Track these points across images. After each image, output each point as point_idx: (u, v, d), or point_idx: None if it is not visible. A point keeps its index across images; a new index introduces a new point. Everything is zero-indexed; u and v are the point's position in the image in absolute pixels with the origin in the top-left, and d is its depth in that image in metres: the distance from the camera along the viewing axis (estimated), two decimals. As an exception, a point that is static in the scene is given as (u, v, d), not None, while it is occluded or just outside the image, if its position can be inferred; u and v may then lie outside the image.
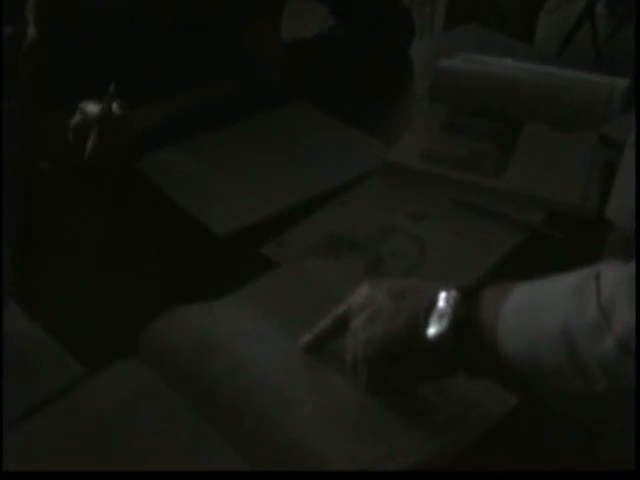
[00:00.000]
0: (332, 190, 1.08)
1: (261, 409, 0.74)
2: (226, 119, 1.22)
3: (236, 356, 0.79)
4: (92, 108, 1.06)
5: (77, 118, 1.07)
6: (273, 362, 0.79)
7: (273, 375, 0.78)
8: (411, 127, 1.21)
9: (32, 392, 0.76)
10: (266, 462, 0.71)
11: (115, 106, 1.06)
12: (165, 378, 0.79)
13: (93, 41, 1.19)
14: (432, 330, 0.69)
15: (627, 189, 0.81)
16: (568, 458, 0.72)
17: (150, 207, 1.06)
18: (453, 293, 0.69)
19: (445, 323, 0.68)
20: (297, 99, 1.29)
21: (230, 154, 1.16)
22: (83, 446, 0.72)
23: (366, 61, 1.37)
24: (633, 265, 0.59)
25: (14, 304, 0.85)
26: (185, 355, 0.79)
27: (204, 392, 0.76)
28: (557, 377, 0.61)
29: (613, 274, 0.60)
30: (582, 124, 1.17)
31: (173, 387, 0.78)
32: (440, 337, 0.68)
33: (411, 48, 1.47)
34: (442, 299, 0.69)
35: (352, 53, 1.38)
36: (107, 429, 0.74)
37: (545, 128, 1.19)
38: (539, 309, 0.63)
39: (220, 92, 1.26)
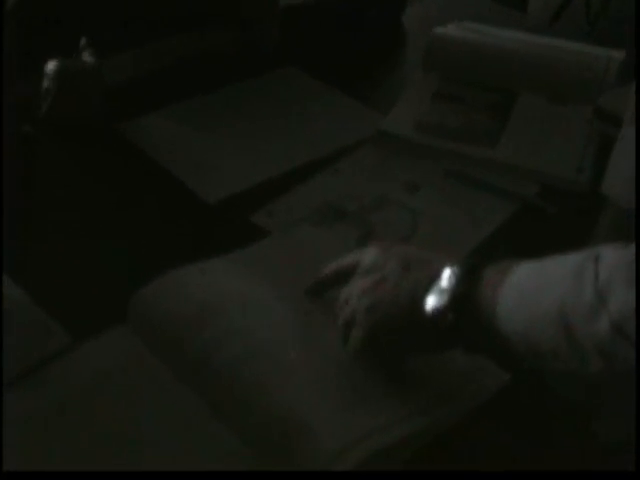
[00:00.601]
0: (324, 158, 1.07)
1: (251, 378, 0.73)
2: (217, 83, 1.20)
3: (227, 322, 0.78)
4: (55, 64, 1.05)
5: (46, 81, 1.06)
6: (264, 330, 0.79)
7: (263, 343, 0.77)
8: (404, 96, 1.20)
9: (18, 361, 0.75)
10: (255, 433, 0.70)
11: (85, 54, 1.04)
12: (154, 345, 0.78)
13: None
14: (431, 304, 0.69)
15: (624, 165, 0.80)
16: (566, 436, 0.72)
17: (139, 174, 1.04)
18: (455, 269, 0.69)
19: (445, 298, 0.68)
20: (289, 65, 1.27)
21: (220, 120, 1.14)
22: (68, 414, 0.71)
23: (358, 27, 1.35)
24: (633, 248, 0.58)
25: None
26: (176, 320, 0.78)
27: (194, 359, 0.75)
28: (554, 359, 0.61)
29: (612, 257, 0.59)
30: (577, 96, 1.16)
31: (162, 355, 0.77)
32: (438, 312, 0.68)
33: (404, 14, 1.45)
34: (444, 274, 0.69)
35: (344, 19, 1.36)
36: (93, 398, 0.73)
37: (540, 99, 1.18)
38: (537, 291, 0.63)
39: (206, 43, 1.24)
